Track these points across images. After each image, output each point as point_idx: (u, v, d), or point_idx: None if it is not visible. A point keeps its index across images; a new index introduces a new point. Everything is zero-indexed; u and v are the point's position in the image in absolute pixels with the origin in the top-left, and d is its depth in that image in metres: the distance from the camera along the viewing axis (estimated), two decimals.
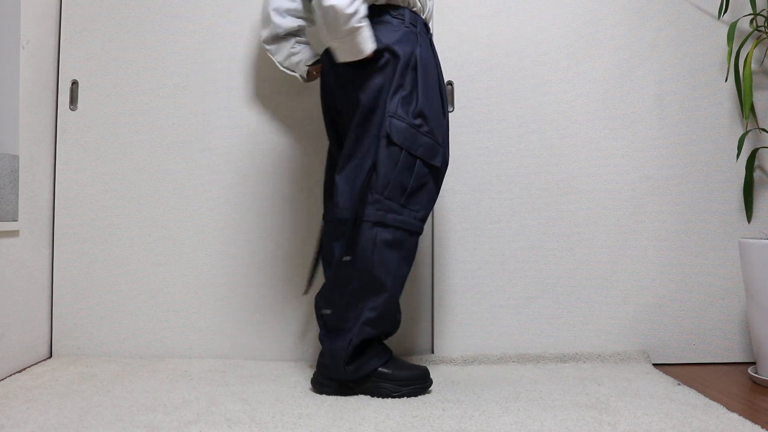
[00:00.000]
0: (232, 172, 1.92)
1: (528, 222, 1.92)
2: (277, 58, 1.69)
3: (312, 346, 1.89)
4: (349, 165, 1.52)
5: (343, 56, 1.49)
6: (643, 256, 1.92)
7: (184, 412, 1.36)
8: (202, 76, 1.92)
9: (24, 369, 1.72)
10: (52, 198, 1.90)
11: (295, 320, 1.90)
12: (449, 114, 1.85)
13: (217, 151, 1.92)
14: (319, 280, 1.69)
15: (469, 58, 1.93)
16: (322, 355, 1.53)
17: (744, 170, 1.91)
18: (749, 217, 1.92)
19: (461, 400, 1.46)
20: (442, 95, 1.58)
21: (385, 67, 1.49)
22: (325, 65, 1.60)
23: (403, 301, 1.84)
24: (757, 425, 1.28)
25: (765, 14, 1.88)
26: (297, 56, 1.68)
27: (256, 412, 1.36)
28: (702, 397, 1.49)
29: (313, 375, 1.55)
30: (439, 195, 1.90)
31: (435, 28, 1.91)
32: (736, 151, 1.91)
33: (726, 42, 1.92)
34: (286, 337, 1.90)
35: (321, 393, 1.52)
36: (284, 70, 1.72)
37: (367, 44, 1.45)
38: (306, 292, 1.76)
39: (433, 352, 1.90)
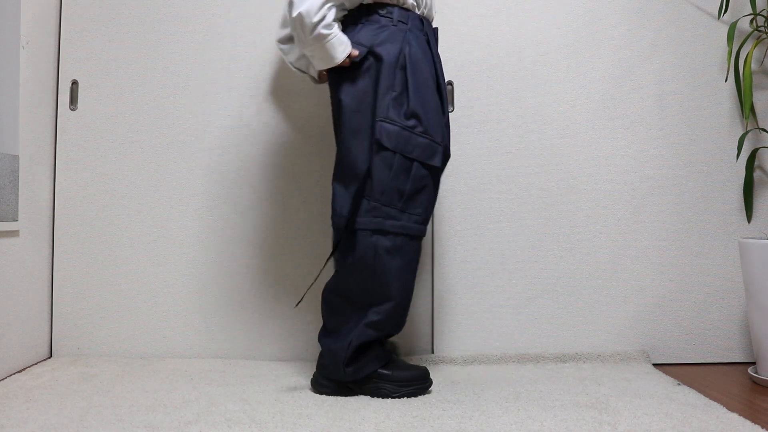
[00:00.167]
0: (232, 172, 1.92)
1: (528, 222, 1.91)
2: (289, 58, 1.68)
3: (312, 346, 1.89)
4: (339, 169, 1.51)
5: (317, 64, 1.48)
6: (643, 256, 1.92)
7: (184, 412, 1.36)
8: (202, 76, 1.92)
9: (24, 369, 1.72)
10: (52, 198, 1.90)
11: (294, 320, 1.90)
12: (449, 114, 1.85)
13: (217, 151, 1.92)
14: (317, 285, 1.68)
15: (469, 58, 1.93)
16: (321, 356, 1.52)
17: (744, 170, 1.91)
18: (749, 217, 1.92)
19: (461, 400, 1.46)
20: (441, 92, 1.56)
21: (369, 70, 1.47)
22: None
23: None
24: (757, 425, 1.28)
25: (765, 14, 1.88)
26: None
27: (256, 412, 1.36)
28: (702, 397, 1.49)
29: (313, 375, 1.55)
30: (439, 195, 1.90)
31: None
32: (736, 151, 1.91)
33: (726, 42, 1.92)
34: (286, 337, 1.90)
35: (321, 393, 1.51)
36: (296, 70, 1.71)
37: (337, 51, 1.43)
38: (297, 305, 1.73)
39: (433, 352, 1.90)
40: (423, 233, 1.51)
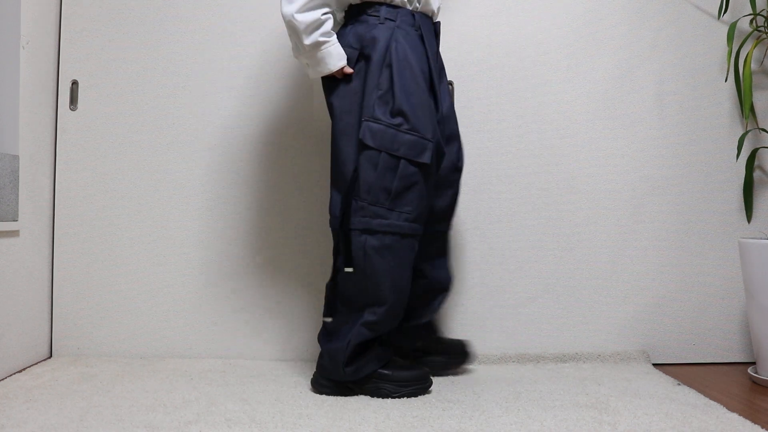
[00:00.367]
0: (232, 172, 1.92)
1: (528, 222, 1.91)
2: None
3: (312, 346, 1.89)
4: (333, 171, 1.51)
5: (312, 74, 1.50)
6: (643, 256, 1.92)
7: (184, 412, 1.36)
8: (202, 76, 1.92)
9: (24, 369, 1.72)
10: (52, 198, 1.90)
11: (295, 320, 1.90)
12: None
13: (217, 151, 1.92)
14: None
15: (469, 58, 1.93)
16: (321, 356, 1.52)
17: (744, 170, 1.91)
18: (749, 217, 1.92)
19: (461, 400, 1.46)
20: (433, 88, 1.55)
21: (359, 71, 1.48)
22: None
23: None
24: (757, 425, 1.28)
25: (765, 14, 1.88)
26: None
27: (256, 412, 1.36)
28: (702, 397, 1.49)
29: (313, 375, 1.55)
30: None
31: None
32: (736, 151, 1.91)
33: (726, 42, 1.92)
34: (286, 337, 1.90)
35: (320, 393, 1.51)
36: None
37: (331, 60, 1.44)
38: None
39: None
40: (415, 231, 1.49)
